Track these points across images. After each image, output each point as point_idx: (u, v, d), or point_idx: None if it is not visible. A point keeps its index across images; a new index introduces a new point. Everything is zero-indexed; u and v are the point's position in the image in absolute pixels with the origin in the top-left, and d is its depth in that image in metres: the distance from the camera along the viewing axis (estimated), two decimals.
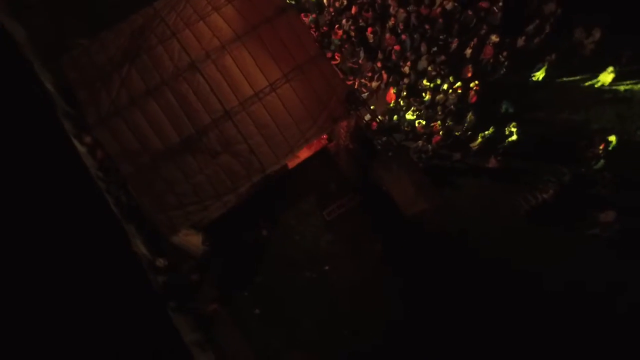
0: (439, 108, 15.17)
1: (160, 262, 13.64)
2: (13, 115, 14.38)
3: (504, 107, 15.36)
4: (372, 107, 14.17)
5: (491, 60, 15.49)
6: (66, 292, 12.28)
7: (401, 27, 15.91)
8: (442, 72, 15.54)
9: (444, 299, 13.81)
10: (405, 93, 15.42)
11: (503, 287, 13.41)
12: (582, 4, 15.44)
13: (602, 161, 14.47)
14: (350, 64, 16.35)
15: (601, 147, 14.41)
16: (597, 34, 15.14)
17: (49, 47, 14.60)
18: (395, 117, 15.47)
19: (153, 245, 13.70)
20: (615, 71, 14.78)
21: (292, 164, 15.04)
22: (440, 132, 14.93)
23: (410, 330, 13.54)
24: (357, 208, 15.40)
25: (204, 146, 11.56)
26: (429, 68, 15.46)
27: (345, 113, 12.07)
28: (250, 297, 14.76)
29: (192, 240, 13.08)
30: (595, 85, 15.46)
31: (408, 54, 15.67)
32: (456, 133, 15.25)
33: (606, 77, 15.14)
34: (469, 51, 15.71)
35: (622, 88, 15.52)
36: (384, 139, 13.67)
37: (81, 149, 13.66)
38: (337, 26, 16.13)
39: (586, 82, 15.74)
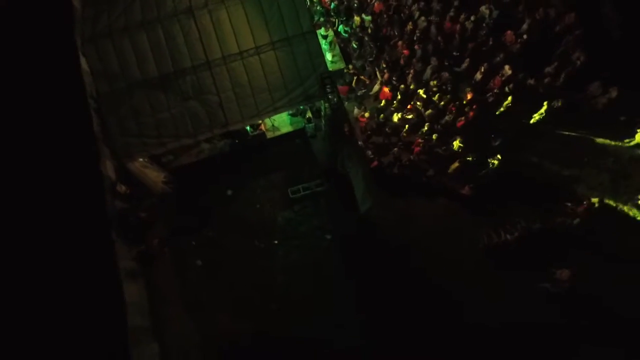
0: (426, 124, 14.99)
1: (122, 188, 14.33)
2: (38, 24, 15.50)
3: (495, 140, 14.98)
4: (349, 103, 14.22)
5: (496, 91, 15.12)
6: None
7: (418, 34, 15.81)
8: (444, 88, 15.32)
9: (374, 303, 13.82)
10: (400, 97, 15.34)
11: (433, 310, 13.34)
12: (608, 61, 14.82)
13: (577, 220, 13.88)
14: (354, 58, 16.47)
15: (582, 207, 13.83)
16: (613, 93, 14.45)
17: None
18: (381, 115, 15.42)
19: (121, 172, 14.42)
20: None
21: (271, 134, 15.39)
22: (421, 145, 14.79)
23: (329, 324, 13.60)
24: (322, 195, 15.56)
25: (178, 87, 12.12)
26: (432, 82, 15.28)
27: (319, 94, 12.27)
28: (197, 248, 15.25)
29: (151, 174, 13.70)
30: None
31: (414, 60, 15.56)
32: (438, 150, 15.03)
33: None
34: (478, 76, 15.40)
35: (627, 156, 14.81)
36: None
37: (85, 66, 14.55)
38: (355, 16, 16.27)
39: (589, 139, 15.13)
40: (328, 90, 11.97)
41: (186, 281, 14.89)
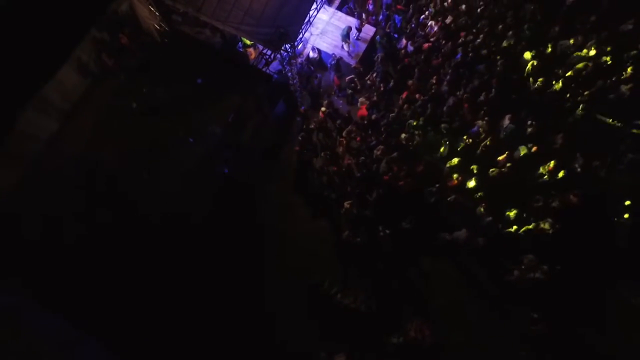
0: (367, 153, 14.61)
1: (122, 10, 16.10)
2: None
3: (407, 222, 14.12)
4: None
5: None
6: None
7: (433, 91, 15.01)
8: (408, 146, 14.65)
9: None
10: (373, 117, 15.03)
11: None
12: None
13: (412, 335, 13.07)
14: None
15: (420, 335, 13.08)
16: (543, 274, 12.77)
17: None
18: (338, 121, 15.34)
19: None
20: None
21: (254, 62, 16.10)
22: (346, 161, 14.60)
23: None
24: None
25: None
26: (403, 135, 14.61)
27: (274, 47, 12.66)
28: (142, 96, 16.68)
29: (141, 11, 15.31)
30: None
31: (406, 106, 14.97)
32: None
33: None
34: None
35: None
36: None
37: None
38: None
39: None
40: (285, 48, 12.26)
41: (114, 108, 16.60)
